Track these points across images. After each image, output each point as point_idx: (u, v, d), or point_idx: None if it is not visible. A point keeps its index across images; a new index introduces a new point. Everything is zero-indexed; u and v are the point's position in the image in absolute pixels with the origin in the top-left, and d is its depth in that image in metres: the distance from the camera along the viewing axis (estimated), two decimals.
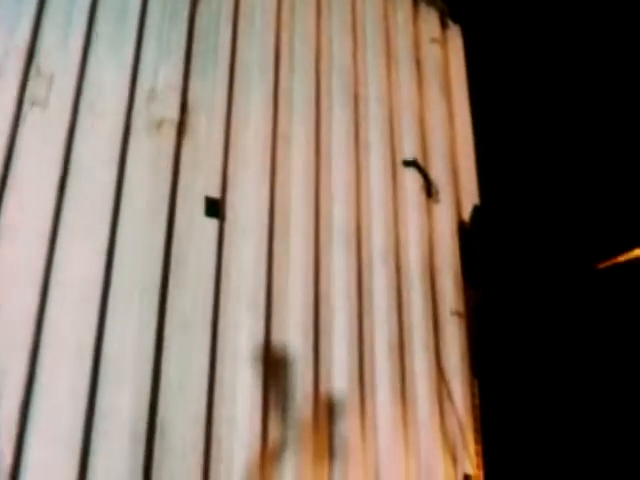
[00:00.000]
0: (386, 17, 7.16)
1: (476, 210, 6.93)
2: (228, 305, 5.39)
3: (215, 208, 5.55)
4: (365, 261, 6.16)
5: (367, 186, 6.41)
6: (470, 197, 7.14)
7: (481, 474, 6.36)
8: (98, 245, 5.06)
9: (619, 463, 6.78)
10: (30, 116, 5.17)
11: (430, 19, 7.49)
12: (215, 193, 5.60)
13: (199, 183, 5.57)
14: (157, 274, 5.16)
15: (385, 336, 6.04)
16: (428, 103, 7.21)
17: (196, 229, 5.45)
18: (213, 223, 5.52)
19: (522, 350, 7.17)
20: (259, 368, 5.35)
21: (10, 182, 4.99)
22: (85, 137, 5.27)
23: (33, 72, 5.27)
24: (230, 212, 5.62)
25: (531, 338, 7.27)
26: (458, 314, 6.61)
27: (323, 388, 5.64)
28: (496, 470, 6.44)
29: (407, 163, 6.75)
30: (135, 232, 5.22)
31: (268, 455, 5.32)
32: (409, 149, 6.84)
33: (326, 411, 5.65)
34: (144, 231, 5.25)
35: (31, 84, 5.23)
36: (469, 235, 6.83)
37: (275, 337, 5.51)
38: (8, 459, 4.51)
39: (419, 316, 6.32)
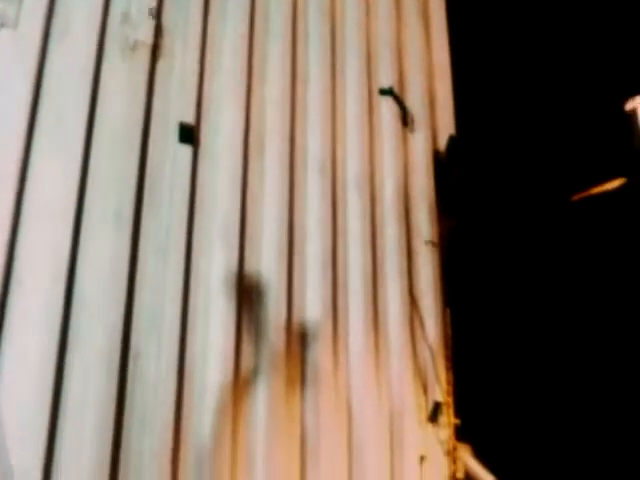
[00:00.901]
0: None
1: (452, 140, 6.91)
2: (202, 233, 5.36)
3: (189, 134, 5.49)
4: (339, 189, 6.15)
5: (342, 113, 6.36)
6: (446, 127, 7.12)
7: (451, 401, 6.44)
8: (71, 168, 4.98)
9: (588, 402, 6.87)
10: None
11: None
12: (189, 119, 5.53)
13: (173, 108, 5.49)
14: (131, 199, 5.11)
15: (358, 265, 6.06)
16: (406, 31, 7.14)
17: (170, 155, 5.39)
18: (187, 150, 5.46)
19: (495, 280, 7.21)
20: (232, 296, 5.35)
21: None
22: (57, 60, 5.16)
23: None
24: (204, 139, 5.57)
25: (504, 269, 7.32)
26: (431, 243, 6.63)
27: (296, 316, 5.67)
28: (466, 398, 6.52)
29: (383, 91, 6.70)
30: (109, 156, 5.14)
31: (241, 382, 5.34)
32: (386, 77, 6.78)
33: (299, 338, 5.67)
34: (118, 155, 5.18)
35: (0, 5, 5.11)
36: (444, 165, 6.83)
37: (248, 265, 5.50)
38: None
39: (392, 245, 6.34)
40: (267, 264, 5.58)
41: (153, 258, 5.13)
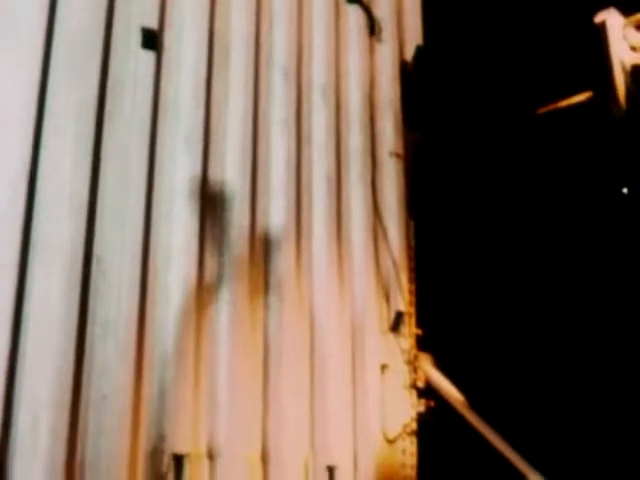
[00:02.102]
0: None
1: (419, 51, 6.85)
2: (165, 138, 5.30)
3: (152, 40, 5.38)
4: (305, 97, 6.09)
5: (309, 21, 6.27)
6: (414, 38, 7.06)
7: (413, 312, 6.50)
8: (30, 76, 4.87)
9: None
10: None
11: None
12: (152, 24, 5.42)
13: (135, 13, 5.38)
14: (93, 103, 5.03)
15: (322, 174, 6.04)
16: None
17: (132, 61, 5.29)
18: (150, 55, 5.36)
19: (459, 193, 7.22)
20: (196, 202, 5.32)
21: None
22: None
23: None
24: (168, 44, 5.46)
25: (469, 182, 7.32)
26: (396, 155, 6.62)
27: (260, 223, 5.66)
28: (428, 308, 6.58)
29: (351, 0, 6.61)
30: (69, 63, 5.01)
31: (204, 289, 5.35)
32: None
33: (262, 246, 5.67)
34: (78, 62, 5.05)
35: None
36: (411, 76, 6.77)
37: (212, 170, 5.47)
38: None
39: (357, 156, 6.32)
40: (231, 170, 5.54)
41: (116, 164, 5.07)
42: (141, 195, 5.10)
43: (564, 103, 6.68)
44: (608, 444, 6.68)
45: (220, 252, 5.42)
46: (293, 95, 5.98)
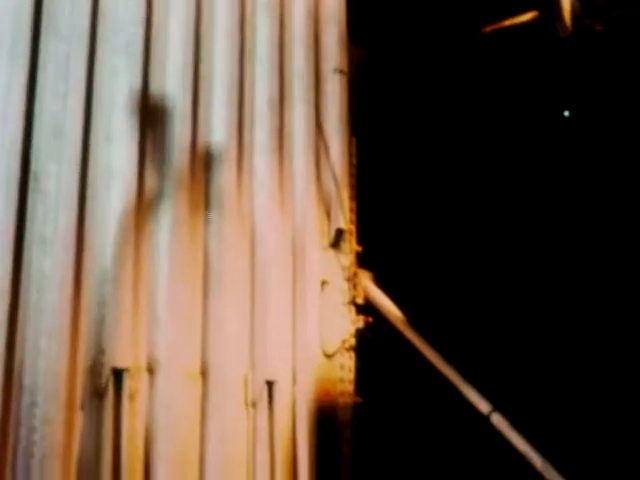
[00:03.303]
0: None
1: None
2: (105, 50, 5.17)
3: None
4: (248, 10, 5.97)
5: None
6: None
7: (354, 229, 6.54)
8: None
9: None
10: None
11: None
12: None
13: None
14: (28, 11, 4.89)
15: (265, 89, 5.97)
16: None
17: None
18: None
19: (402, 111, 7.21)
20: (136, 117, 5.24)
21: None
22: None
23: None
24: None
25: (412, 100, 7.30)
26: (340, 71, 6.56)
27: (201, 139, 5.60)
28: (368, 226, 6.62)
29: None
30: None
31: (144, 205, 5.30)
32: None
33: (203, 163, 5.62)
34: None
35: None
36: None
37: (153, 85, 5.37)
38: None
39: (300, 71, 6.25)
40: (172, 85, 5.45)
41: (53, 78, 4.96)
42: (79, 110, 5.00)
43: (509, 22, 6.66)
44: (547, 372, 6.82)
45: (160, 169, 5.37)
46: (236, 8, 5.87)
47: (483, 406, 6.12)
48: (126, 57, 5.25)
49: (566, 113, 7.13)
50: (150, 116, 5.34)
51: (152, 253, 5.34)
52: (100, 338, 5.08)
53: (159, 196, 5.40)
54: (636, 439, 5.92)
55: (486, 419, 6.09)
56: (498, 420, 6.07)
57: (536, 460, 5.94)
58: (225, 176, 5.69)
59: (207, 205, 5.64)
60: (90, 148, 5.06)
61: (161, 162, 5.39)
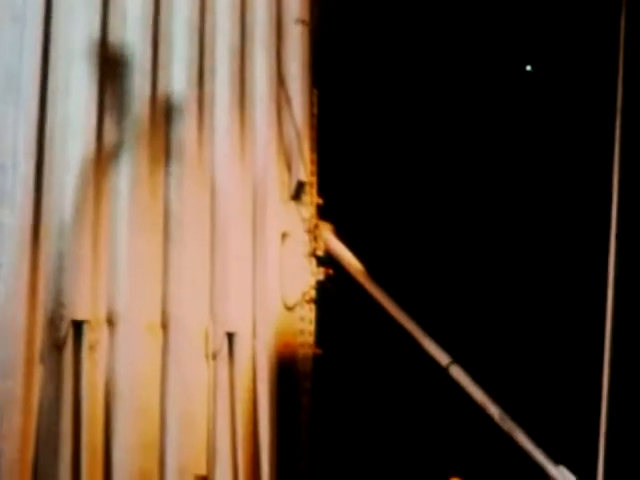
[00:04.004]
0: None
1: None
2: None
3: None
4: None
5: None
6: None
7: (314, 181, 6.52)
8: None
9: None
10: None
11: None
12: None
13: None
14: None
15: (226, 39, 5.88)
16: None
17: None
18: None
19: (363, 61, 7.15)
20: (95, 65, 5.17)
21: None
22: None
23: None
24: None
25: (373, 50, 7.24)
26: (302, 22, 6.50)
27: (161, 91, 5.53)
28: (329, 178, 6.60)
29: None
30: None
31: (103, 156, 5.25)
32: None
33: (164, 114, 5.57)
34: None
35: None
36: None
37: (112, 33, 5.29)
38: None
39: (262, 21, 6.17)
40: (132, 33, 5.37)
41: (9, 21, 4.87)
42: (36, 58, 4.92)
43: None
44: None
45: (120, 120, 5.31)
46: None
47: (442, 358, 6.19)
48: (85, 6, 5.16)
49: (528, 68, 7.14)
50: (109, 67, 5.27)
51: (112, 205, 5.30)
52: (59, 291, 5.06)
53: (119, 147, 5.35)
54: (592, 390, 6.02)
55: (445, 371, 6.16)
56: (457, 372, 6.14)
57: (494, 411, 6.03)
58: (185, 127, 5.63)
59: (167, 157, 5.59)
60: (48, 98, 4.99)
61: (121, 113, 5.33)
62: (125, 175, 5.34)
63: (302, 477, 6.12)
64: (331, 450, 6.29)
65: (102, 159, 5.22)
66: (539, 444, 5.92)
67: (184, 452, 5.40)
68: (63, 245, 5.05)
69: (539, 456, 5.88)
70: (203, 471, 5.34)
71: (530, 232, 7.07)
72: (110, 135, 5.27)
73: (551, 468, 5.83)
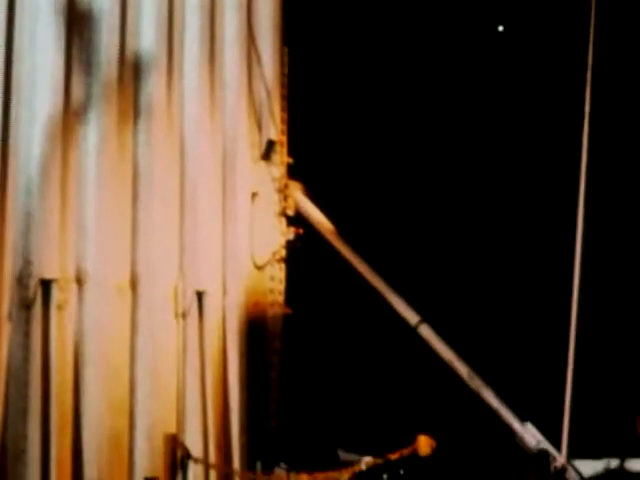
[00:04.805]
0: None
1: None
2: None
3: None
4: None
5: None
6: None
7: (285, 140, 6.48)
8: None
9: None
10: None
11: None
12: None
13: None
14: None
15: None
16: None
17: None
18: None
19: (334, 19, 7.08)
20: (62, 21, 5.09)
21: None
22: None
23: None
24: None
25: (344, 7, 7.17)
26: None
27: (130, 48, 5.47)
28: (300, 138, 6.57)
29: None
30: None
31: (71, 113, 5.20)
32: None
33: (132, 71, 5.51)
34: None
35: None
36: None
37: None
38: None
39: None
40: None
41: None
42: (1, 14, 4.84)
43: None
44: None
45: (88, 75, 5.25)
46: None
47: (411, 317, 6.22)
48: None
49: (500, 28, 7.10)
50: (76, 23, 5.19)
51: (80, 163, 5.26)
52: (27, 249, 5.03)
53: (87, 105, 5.29)
54: (558, 349, 6.08)
55: (414, 330, 6.19)
56: (426, 331, 6.18)
57: (462, 369, 6.08)
58: (154, 83, 5.57)
59: (136, 113, 5.53)
60: (14, 53, 4.91)
61: (88, 70, 5.27)
62: (93, 133, 5.29)
63: (272, 435, 6.15)
64: (301, 408, 6.31)
65: (70, 117, 5.17)
66: (506, 402, 5.99)
67: (154, 411, 5.41)
68: (30, 203, 5.01)
69: (506, 413, 5.95)
70: (173, 430, 5.35)
71: (497, 192, 7.07)
72: (78, 91, 5.21)
73: (517, 425, 5.90)
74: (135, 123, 5.52)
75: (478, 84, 7.06)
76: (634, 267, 6.67)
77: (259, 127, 6.34)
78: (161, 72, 5.61)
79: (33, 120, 5.02)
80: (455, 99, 7.05)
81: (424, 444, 5.18)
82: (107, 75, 5.34)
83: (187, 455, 4.90)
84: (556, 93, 6.78)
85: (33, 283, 5.02)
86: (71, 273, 5.21)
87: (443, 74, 7.08)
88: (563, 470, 5.70)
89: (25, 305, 4.99)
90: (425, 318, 6.19)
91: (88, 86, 5.26)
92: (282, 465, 5.88)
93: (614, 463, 5.66)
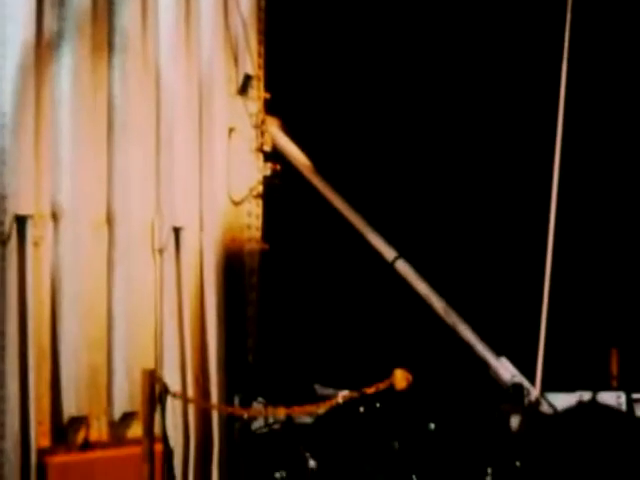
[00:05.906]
0: None
1: None
2: None
3: None
4: None
5: None
6: None
7: (262, 75, 6.41)
8: None
9: None
10: None
11: None
12: None
13: None
14: None
15: None
16: None
17: None
18: None
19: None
20: None
21: None
22: None
23: None
24: None
25: None
26: None
27: None
28: (277, 72, 6.51)
29: None
30: None
31: (44, 49, 5.11)
32: None
33: (106, 3, 5.40)
34: None
35: None
36: None
37: None
38: None
39: None
40: None
41: None
42: None
43: None
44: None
45: (60, 9, 5.15)
46: None
47: (388, 252, 6.24)
48: None
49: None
50: None
51: (53, 98, 5.18)
52: (1, 185, 4.97)
53: (59, 39, 5.20)
54: (533, 284, 6.12)
55: (390, 265, 6.22)
56: (402, 266, 6.21)
57: (438, 305, 6.12)
58: (129, 16, 5.48)
59: (110, 47, 5.46)
60: None
61: (61, 2, 5.17)
62: (66, 67, 5.22)
63: (249, 370, 6.20)
64: (278, 343, 6.35)
65: (42, 51, 5.08)
66: (481, 336, 6.05)
67: (132, 347, 5.43)
68: (4, 138, 4.95)
69: (481, 348, 6.01)
70: (151, 365, 5.37)
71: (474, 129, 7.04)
72: (50, 25, 5.12)
73: (493, 359, 5.97)
74: (109, 57, 5.44)
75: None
76: (611, 201, 6.71)
77: (235, 61, 6.27)
78: (135, 3, 5.52)
79: (4, 55, 4.93)
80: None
81: (400, 378, 5.22)
82: (80, 7, 5.25)
83: (165, 390, 4.92)
84: (531, 87, 6.73)
85: (8, 219, 4.98)
86: (46, 209, 5.18)
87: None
88: (537, 403, 5.78)
89: (1, 241, 4.96)
90: (401, 254, 6.22)
91: (61, 19, 5.17)
92: (260, 399, 5.94)
93: (587, 396, 5.74)
